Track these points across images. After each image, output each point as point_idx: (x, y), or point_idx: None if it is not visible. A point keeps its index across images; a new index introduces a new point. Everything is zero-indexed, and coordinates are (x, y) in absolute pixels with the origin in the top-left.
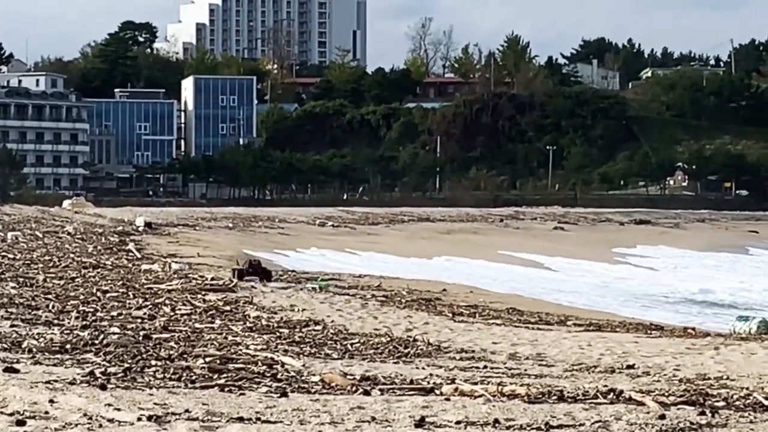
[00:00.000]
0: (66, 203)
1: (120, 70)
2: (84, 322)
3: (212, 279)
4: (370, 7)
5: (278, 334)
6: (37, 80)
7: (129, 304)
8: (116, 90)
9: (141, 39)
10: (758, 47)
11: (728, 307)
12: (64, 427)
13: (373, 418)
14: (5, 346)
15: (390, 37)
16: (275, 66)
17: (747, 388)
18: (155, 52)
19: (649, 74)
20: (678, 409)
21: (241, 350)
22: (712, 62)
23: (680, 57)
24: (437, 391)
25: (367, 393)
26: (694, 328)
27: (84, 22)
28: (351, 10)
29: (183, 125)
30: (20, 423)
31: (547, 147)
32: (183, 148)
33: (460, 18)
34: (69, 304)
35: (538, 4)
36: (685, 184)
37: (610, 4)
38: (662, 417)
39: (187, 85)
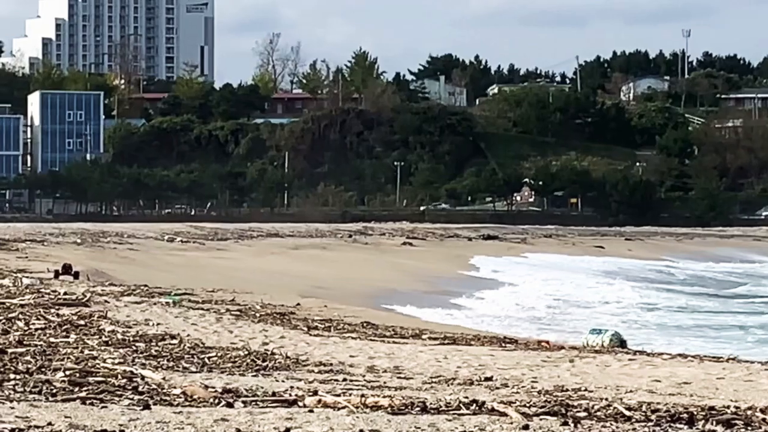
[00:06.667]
0: None
1: None
2: None
3: (65, 293)
4: (218, 23)
5: (135, 347)
6: None
7: None
8: None
9: None
10: (603, 64)
11: None
12: None
13: (238, 430)
14: None
15: (238, 52)
16: (122, 81)
17: (606, 399)
18: (1, 67)
19: (496, 91)
20: (540, 419)
21: (99, 364)
22: (558, 79)
23: (527, 73)
24: (300, 403)
25: (230, 405)
26: (548, 341)
27: None
28: (198, 25)
29: (29, 140)
30: None
31: (395, 163)
32: (29, 164)
33: (306, 33)
34: None
35: (383, 20)
36: (531, 200)
37: (456, 20)
38: (526, 427)
39: (34, 100)
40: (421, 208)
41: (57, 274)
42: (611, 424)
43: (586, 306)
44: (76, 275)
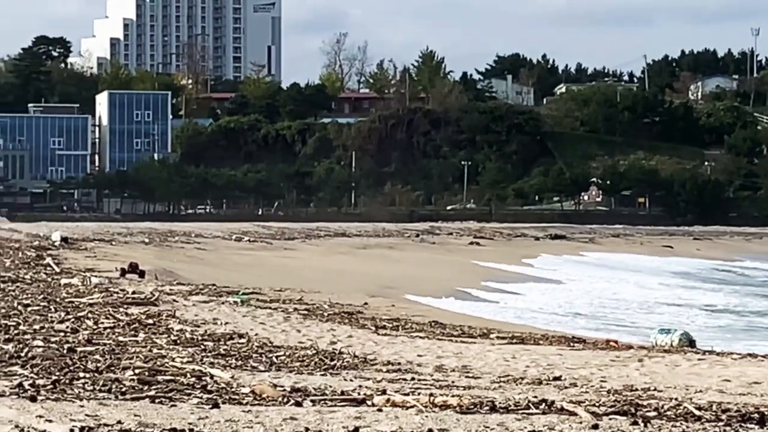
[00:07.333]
0: None
1: (34, 85)
2: (6, 336)
3: (134, 293)
4: (285, 23)
5: (203, 346)
6: None
7: (51, 317)
8: (30, 105)
9: (55, 54)
10: (671, 63)
11: None
12: None
13: (307, 429)
14: None
15: (305, 52)
16: (190, 81)
17: (676, 399)
18: (69, 67)
19: (564, 90)
20: (610, 419)
21: (168, 363)
22: (626, 78)
23: (594, 73)
24: (369, 402)
25: (298, 404)
26: (616, 341)
27: None
28: (266, 25)
29: (97, 140)
30: None
31: (462, 162)
32: (97, 163)
33: (373, 33)
34: None
35: (450, 20)
36: (599, 199)
37: (523, 20)
38: (595, 427)
39: (102, 100)
40: (448, 208)
41: (123, 273)
42: (681, 424)
43: (627, 305)
44: (141, 274)
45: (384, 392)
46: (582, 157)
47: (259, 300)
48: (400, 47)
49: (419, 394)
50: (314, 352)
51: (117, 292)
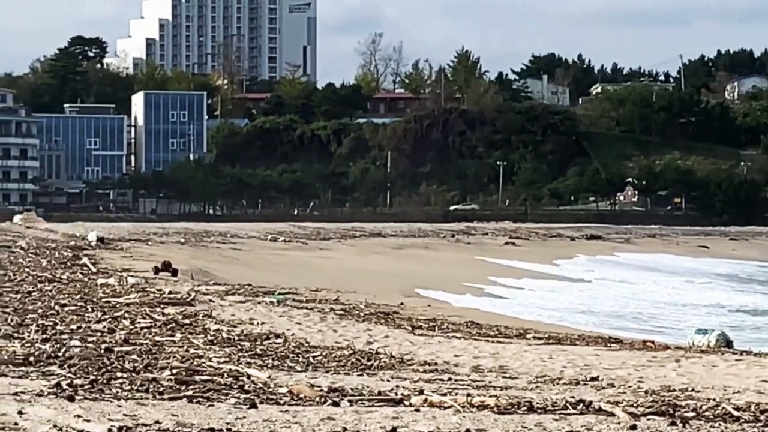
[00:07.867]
0: (17, 218)
1: (70, 86)
2: (44, 336)
3: (170, 292)
4: (320, 23)
5: (240, 346)
6: None
7: (88, 317)
8: (66, 105)
9: (91, 54)
10: (707, 63)
11: None
12: None
13: (345, 429)
14: None
15: (340, 52)
16: (225, 81)
17: (714, 399)
18: (105, 68)
19: (599, 90)
20: (648, 419)
21: (205, 362)
22: (662, 78)
23: (630, 73)
24: (406, 402)
25: (336, 404)
26: (653, 341)
27: (34, 37)
28: (301, 25)
29: (133, 140)
30: None
31: (498, 162)
32: (133, 164)
33: (408, 33)
34: (27, 317)
35: (486, 20)
36: (635, 199)
37: (559, 19)
38: (633, 427)
39: (138, 101)
40: (451, 208)
41: (157, 271)
42: (720, 425)
43: (655, 305)
44: (174, 272)
45: (421, 392)
46: (617, 157)
47: (295, 300)
48: (435, 47)
49: (456, 394)
50: (351, 352)
51: (153, 292)
